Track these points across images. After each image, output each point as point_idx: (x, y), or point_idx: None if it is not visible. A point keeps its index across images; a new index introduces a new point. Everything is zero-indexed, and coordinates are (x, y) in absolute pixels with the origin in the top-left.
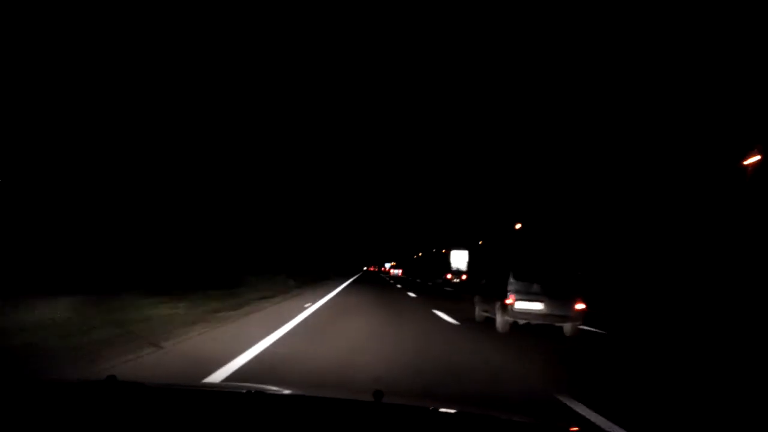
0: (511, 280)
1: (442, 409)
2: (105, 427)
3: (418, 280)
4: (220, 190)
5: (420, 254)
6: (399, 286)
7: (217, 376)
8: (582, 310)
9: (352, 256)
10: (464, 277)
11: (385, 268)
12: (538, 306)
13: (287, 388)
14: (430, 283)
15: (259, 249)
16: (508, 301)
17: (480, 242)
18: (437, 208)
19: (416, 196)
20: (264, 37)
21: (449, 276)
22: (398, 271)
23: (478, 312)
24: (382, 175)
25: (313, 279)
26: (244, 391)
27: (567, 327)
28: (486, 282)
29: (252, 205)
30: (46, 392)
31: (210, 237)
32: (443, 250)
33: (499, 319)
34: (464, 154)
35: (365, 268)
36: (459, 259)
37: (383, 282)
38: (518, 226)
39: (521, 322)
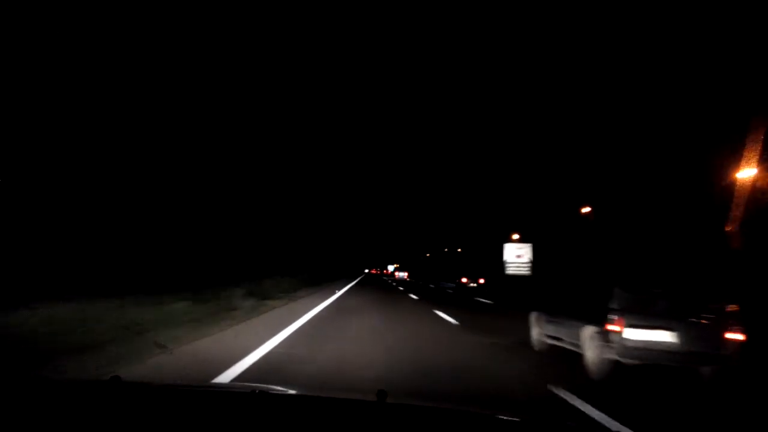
0: (618, 291)
1: (446, 409)
2: (109, 427)
3: (429, 285)
4: (213, 187)
5: (428, 255)
6: (428, 305)
7: None
8: (738, 341)
9: (353, 258)
10: (482, 281)
11: (387, 271)
12: (665, 336)
13: (292, 388)
14: (432, 286)
15: (244, 251)
16: (612, 328)
17: (514, 236)
18: (447, 201)
19: (421, 190)
20: (264, 38)
21: (464, 280)
22: (404, 274)
23: (538, 336)
24: (383, 171)
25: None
26: (249, 391)
27: (707, 368)
28: (555, 292)
29: (243, 204)
30: (50, 392)
31: (190, 236)
32: (458, 249)
33: (593, 356)
34: (481, 132)
35: (367, 271)
36: (517, 254)
37: (390, 289)
38: (586, 209)
39: (629, 361)
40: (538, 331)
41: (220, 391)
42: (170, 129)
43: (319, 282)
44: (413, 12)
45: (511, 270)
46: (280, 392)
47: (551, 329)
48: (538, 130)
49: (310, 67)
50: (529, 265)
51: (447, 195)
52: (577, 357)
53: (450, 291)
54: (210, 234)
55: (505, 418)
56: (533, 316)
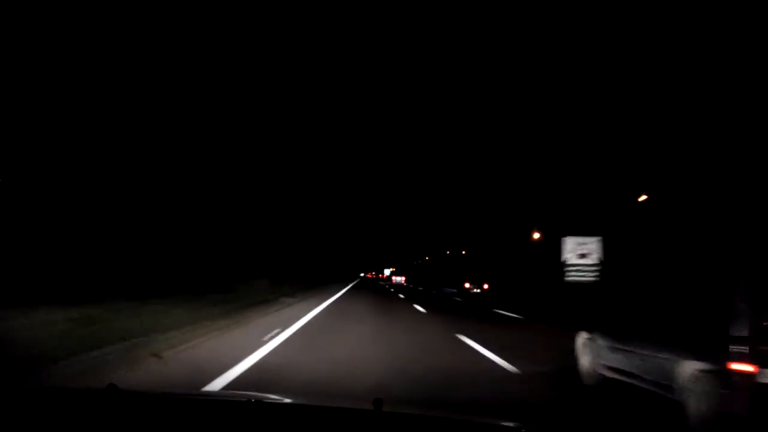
0: (744, 308)
1: (443, 418)
2: None
3: (431, 291)
4: (195, 185)
5: (427, 258)
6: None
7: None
8: None
9: (348, 262)
10: (486, 286)
11: (383, 275)
12: None
13: (287, 397)
14: (433, 291)
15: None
16: (739, 367)
17: (535, 234)
18: (448, 200)
19: (420, 189)
20: (264, 38)
21: (467, 285)
22: (401, 279)
23: (591, 366)
24: (379, 171)
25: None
26: (245, 399)
27: None
28: (623, 304)
29: (226, 202)
30: (47, 401)
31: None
32: (463, 252)
33: (704, 408)
34: (484, 121)
35: (362, 275)
36: (580, 253)
37: (388, 298)
38: (642, 198)
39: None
40: (593, 360)
41: (217, 400)
42: (163, 130)
43: (293, 292)
44: (412, 11)
45: (572, 276)
46: (276, 401)
47: (617, 360)
48: (559, 107)
49: (307, 70)
50: (598, 268)
51: (447, 193)
52: (657, 398)
53: (458, 299)
54: (181, 232)
55: (502, 424)
56: (582, 339)
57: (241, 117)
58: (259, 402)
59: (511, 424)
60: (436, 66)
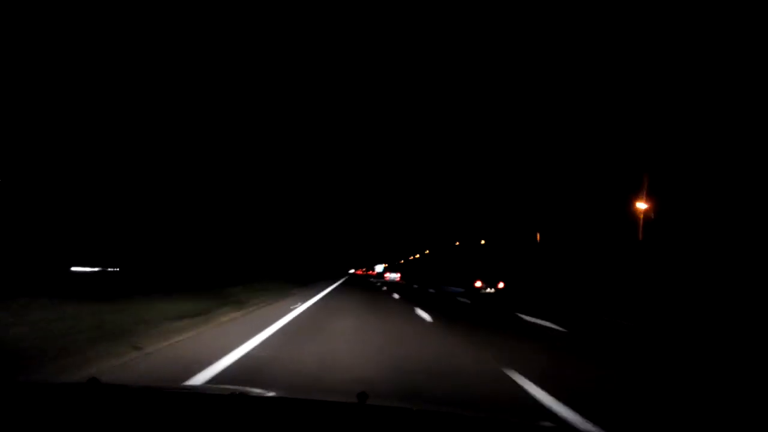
0: None
1: (426, 410)
2: (86, 430)
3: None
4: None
5: (427, 252)
6: None
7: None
8: None
9: (337, 258)
10: (501, 285)
11: (373, 272)
12: None
13: (271, 391)
14: (432, 291)
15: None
16: None
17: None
18: (451, 189)
19: (415, 179)
20: (263, 38)
21: (479, 284)
22: (395, 276)
23: None
24: (371, 162)
25: None
26: (228, 393)
27: None
28: None
29: (209, 196)
30: (27, 395)
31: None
32: (482, 241)
33: None
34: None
35: (352, 271)
36: None
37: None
38: None
39: None
40: None
41: (199, 393)
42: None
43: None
44: (411, 12)
45: None
46: (259, 394)
47: None
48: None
49: (297, 64)
50: None
51: (448, 181)
52: None
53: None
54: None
55: (485, 418)
56: None
57: (228, 113)
58: (243, 395)
59: (492, 416)
60: (418, 49)
